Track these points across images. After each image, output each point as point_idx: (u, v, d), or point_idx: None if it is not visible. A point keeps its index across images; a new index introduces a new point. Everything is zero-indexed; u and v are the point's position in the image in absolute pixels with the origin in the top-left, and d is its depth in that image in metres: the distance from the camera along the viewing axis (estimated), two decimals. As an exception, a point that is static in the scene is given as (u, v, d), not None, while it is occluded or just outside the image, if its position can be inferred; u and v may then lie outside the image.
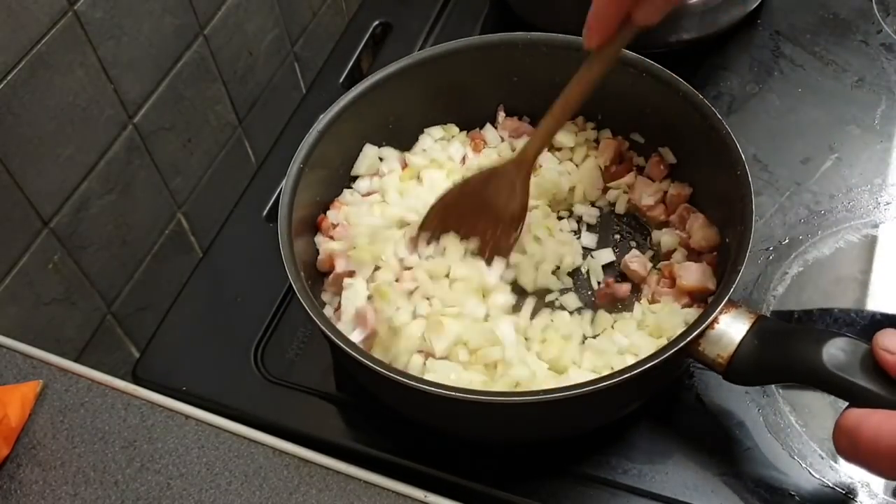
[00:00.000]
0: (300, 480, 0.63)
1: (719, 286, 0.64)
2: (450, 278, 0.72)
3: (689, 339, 0.61)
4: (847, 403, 0.57)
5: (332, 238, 0.77)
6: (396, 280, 0.73)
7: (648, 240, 0.79)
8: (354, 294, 0.71)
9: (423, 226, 0.74)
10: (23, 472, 0.64)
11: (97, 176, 0.88)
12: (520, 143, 0.81)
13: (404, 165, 0.82)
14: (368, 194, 0.81)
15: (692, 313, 0.70)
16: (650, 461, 0.69)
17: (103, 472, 0.64)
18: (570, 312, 0.74)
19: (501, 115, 0.85)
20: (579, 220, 0.81)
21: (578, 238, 0.80)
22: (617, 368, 0.65)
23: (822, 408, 0.70)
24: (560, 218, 0.81)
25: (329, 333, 0.64)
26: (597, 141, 0.84)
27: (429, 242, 0.74)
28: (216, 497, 0.63)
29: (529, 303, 0.74)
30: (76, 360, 0.79)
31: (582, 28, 0.79)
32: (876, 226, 0.81)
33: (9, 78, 0.75)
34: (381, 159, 0.82)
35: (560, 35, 0.79)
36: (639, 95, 0.79)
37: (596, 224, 0.81)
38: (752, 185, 0.67)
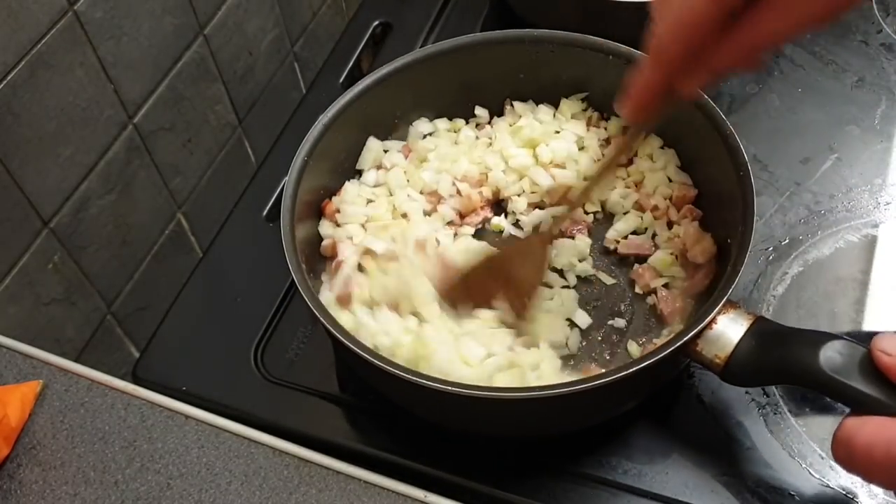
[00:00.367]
0: (300, 480, 0.63)
1: (719, 286, 0.64)
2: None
3: (686, 338, 0.61)
4: (847, 409, 0.57)
5: (336, 223, 0.78)
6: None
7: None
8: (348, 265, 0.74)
9: (444, 295, 0.72)
10: (23, 472, 0.64)
11: (97, 176, 0.88)
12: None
13: (407, 155, 0.83)
14: (376, 186, 0.82)
15: None
16: (650, 461, 0.69)
17: (103, 472, 0.64)
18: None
19: (508, 108, 0.85)
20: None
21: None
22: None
23: (822, 408, 0.70)
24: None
25: (329, 327, 0.64)
26: (607, 140, 0.84)
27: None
28: (216, 497, 0.63)
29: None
30: (76, 360, 0.79)
31: (582, 28, 0.79)
32: (876, 226, 0.81)
33: (9, 78, 0.75)
34: (385, 152, 0.83)
35: (567, 32, 0.79)
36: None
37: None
38: (754, 187, 0.67)
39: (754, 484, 0.67)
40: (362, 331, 0.69)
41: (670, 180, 0.79)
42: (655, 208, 0.78)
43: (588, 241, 0.79)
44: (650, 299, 0.75)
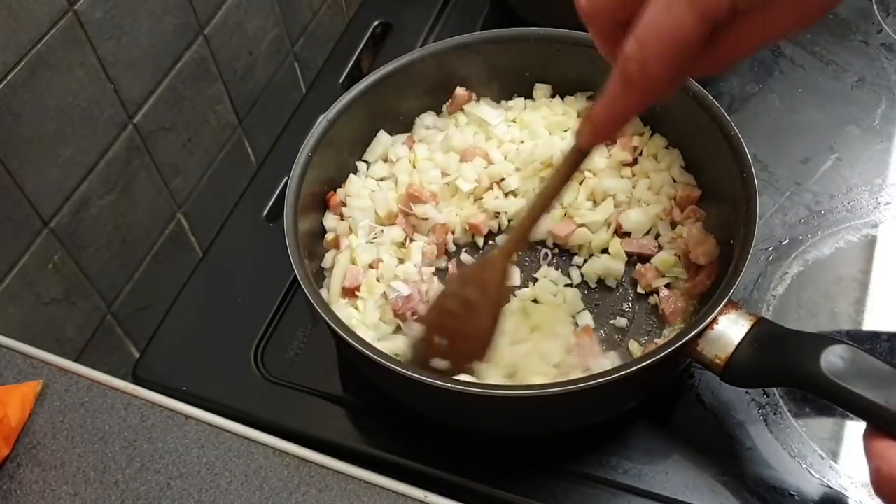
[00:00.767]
0: (300, 480, 0.63)
1: (720, 286, 0.64)
2: None
3: (687, 338, 0.61)
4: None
5: (341, 216, 0.79)
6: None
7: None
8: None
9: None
10: (23, 472, 0.64)
11: (97, 176, 0.88)
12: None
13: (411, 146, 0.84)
14: (381, 180, 0.82)
15: None
16: (650, 461, 0.69)
17: (103, 472, 0.64)
18: None
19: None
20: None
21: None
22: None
23: (822, 408, 0.70)
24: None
25: (330, 322, 0.64)
26: (613, 140, 0.84)
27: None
28: (216, 497, 0.63)
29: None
30: (76, 360, 0.79)
31: (581, 28, 0.79)
32: (876, 226, 0.81)
33: (9, 78, 0.75)
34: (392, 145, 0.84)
35: (573, 31, 0.79)
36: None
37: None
38: (757, 188, 0.67)
39: (754, 484, 0.67)
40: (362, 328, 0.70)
41: (674, 181, 0.79)
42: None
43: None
44: (652, 299, 0.75)
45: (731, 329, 0.62)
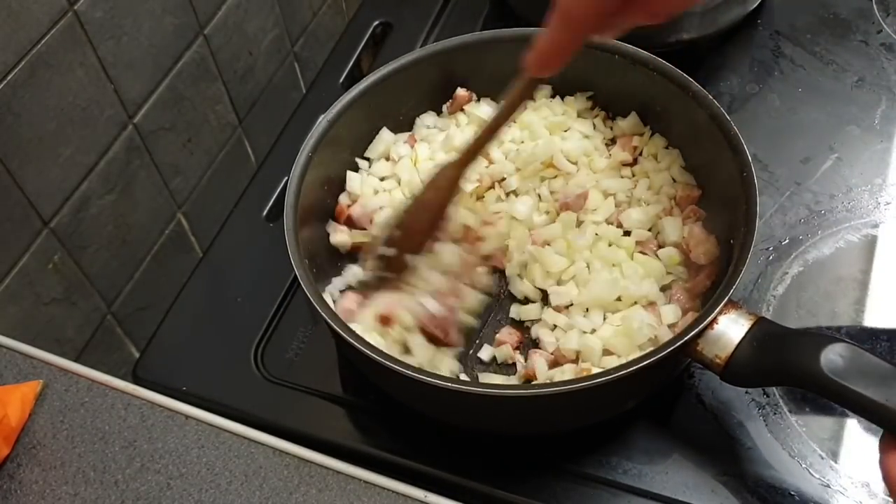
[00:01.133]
0: (300, 480, 0.63)
1: (720, 286, 0.64)
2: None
3: (687, 338, 0.61)
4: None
5: (347, 226, 0.79)
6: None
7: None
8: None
9: (382, 241, 0.73)
10: (23, 472, 0.64)
11: (97, 176, 0.88)
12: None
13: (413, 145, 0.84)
14: (383, 179, 0.83)
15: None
16: (650, 461, 0.69)
17: (103, 472, 0.64)
18: None
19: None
20: None
21: None
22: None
23: (822, 408, 0.70)
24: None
25: (330, 321, 0.64)
26: (613, 140, 0.84)
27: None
28: (216, 497, 0.63)
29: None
30: (76, 360, 0.79)
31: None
32: (876, 226, 0.81)
33: (9, 78, 0.75)
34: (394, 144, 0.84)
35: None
36: (650, 94, 0.79)
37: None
38: (757, 188, 0.67)
39: (754, 484, 0.67)
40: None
41: (674, 180, 0.79)
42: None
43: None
44: None
45: (731, 329, 0.62)
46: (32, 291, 0.84)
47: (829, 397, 0.58)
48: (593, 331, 0.71)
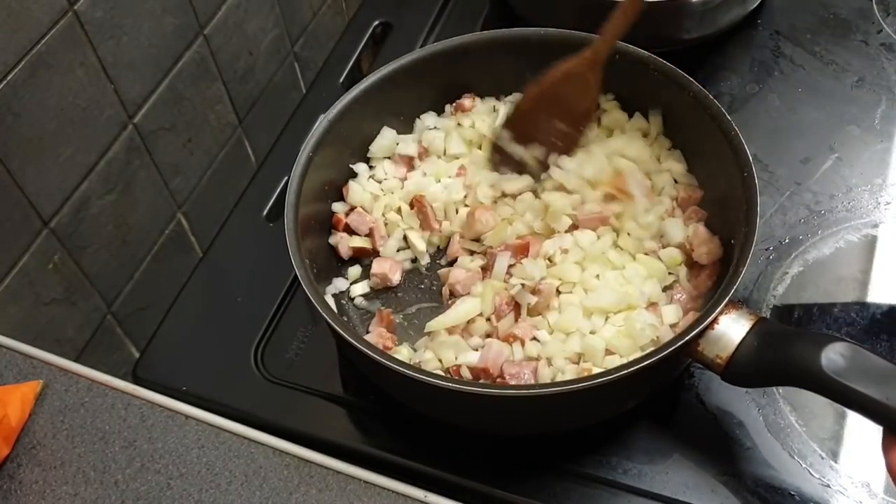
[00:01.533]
0: (300, 480, 0.63)
1: (721, 286, 0.64)
2: None
3: (688, 338, 0.61)
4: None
5: (347, 232, 0.80)
6: None
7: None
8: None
9: (507, 125, 0.79)
10: (23, 472, 0.64)
11: (97, 176, 0.88)
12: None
13: (422, 151, 0.84)
14: (381, 182, 0.83)
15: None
16: (650, 461, 0.69)
17: (103, 472, 0.64)
18: None
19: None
20: None
21: None
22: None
23: (822, 408, 0.70)
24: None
25: (330, 321, 0.64)
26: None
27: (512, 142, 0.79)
28: (216, 497, 0.63)
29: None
30: (76, 360, 0.79)
31: (582, 27, 0.79)
32: (876, 226, 0.81)
33: (9, 78, 0.75)
34: (397, 144, 0.84)
35: (574, 31, 0.79)
36: (650, 94, 0.79)
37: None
38: (757, 188, 0.67)
39: (754, 484, 0.67)
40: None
41: (676, 181, 0.79)
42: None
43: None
44: None
45: (731, 329, 0.62)
46: (32, 291, 0.84)
47: (829, 396, 0.58)
48: (592, 332, 0.71)
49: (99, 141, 0.88)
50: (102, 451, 0.65)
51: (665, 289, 0.74)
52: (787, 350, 0.59)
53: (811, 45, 0.96)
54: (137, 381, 0.76)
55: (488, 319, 0.73)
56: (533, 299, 0.72)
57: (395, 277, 0.79)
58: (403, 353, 0.72)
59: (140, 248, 0.98)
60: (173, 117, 0.97)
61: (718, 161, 0.72)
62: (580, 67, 0.76)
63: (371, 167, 0.83)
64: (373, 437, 0.72)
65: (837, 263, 0.79)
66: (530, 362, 0.69)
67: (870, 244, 0.80)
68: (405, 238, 0.81)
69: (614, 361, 0.68)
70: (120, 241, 0.94)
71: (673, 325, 0.70)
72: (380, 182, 0.83)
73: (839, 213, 0.82)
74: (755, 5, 0.97)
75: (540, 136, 0.79)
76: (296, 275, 0.68)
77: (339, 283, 0.79)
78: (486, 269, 0.76)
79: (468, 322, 0.73)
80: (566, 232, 0.76)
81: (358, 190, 0.81)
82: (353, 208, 0.81)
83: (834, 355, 0.57)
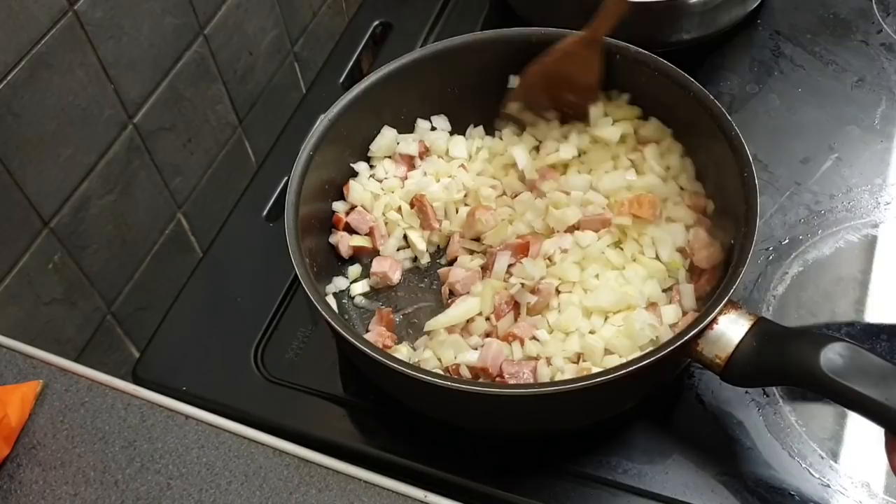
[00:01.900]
0: (300, 480, 0.63)
1: (720, 286, 0.64)
2: None
3: (687, 338, 0.61)
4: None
5: (347, 231, 0.79)
6: None
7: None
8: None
9: (515, 97, 0.82)
10: (23, 472, 0.64)
11: (97, 176, 0.88)
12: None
13: (423, 150, 0.84)
14: (382, 181, 0.83)
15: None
16: (650, 461, 0.69)
17: (103, 472, 0.64)
18: None
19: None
20: None
21: None
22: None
23: (822, 408, 0.70)
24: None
25: (330, 320, 0.64)
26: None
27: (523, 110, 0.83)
28: (216, 497, 0.63)
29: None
30: (76, 360, 0.79)
31: (582, 27, 0.79)
32: (876, 226, 0.81)
33: (9, 78, 0.75)
34: (397, 143, 0.84)
35: (573, 31, 0.79)
36: (650, 94, 0.79)
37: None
38: (758, 189, 0.67)
39: (754, 484, 0.67)
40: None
41: (681, 188, 0.79)
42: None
43: None
44: None
45: (731, 329, 0.62)
46: (32, 291, 0.84)
47: (828, 396, 0.58)
48: (591, 332, 0.71)
49: (99, 141, 0.88)
50: (102, 451, 0.65)
51: (665, 290, 0.74)
52: (786, 350, 0.59)
53: (811, 45, 0.96)
54: (137, 381, 0.76)
55: (488, 319, 0.73)
56: (532, 299, 0.72)
57: (395, 276, 0.79)
58: (403, 351, 0.72)
59: (140, 248, 0.98)
60: (173, 117, 0.97)
61: (718, 161, 0.72)
62: (578, 46, 0.78)
63: (371, 166, 0.83)
64: (373, 437, 0.72)
65: (837, 263, 0.79)
66: (529, 362, 0.70)
67: (870, 244, 0.80)
68: (405, 237, 0.81)
69: (613, 361, 0.68)
70: (120, 241, 0.94)
71: (672, 326, 0.70)
72: (380, 181, 0.83)
73: (839, 213, 0.82)
74: (755, 5, 0.97)
75: (549, 105, 0.83)
76: (296, 274, 0.68)
77: (339, 283, 0.79)
78: (485, 269, 0.76)
79: (467, 321, 0.73)
80: (566, 232, 0.76)
81: (358, 189, 0.81)
82: (353, 207, 0.81)
83: (833, 355, 0.57)
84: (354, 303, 0.79)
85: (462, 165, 0.83)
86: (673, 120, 0.79)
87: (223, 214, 0.89)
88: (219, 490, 0.63)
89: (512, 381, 0.68)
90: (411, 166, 0.83)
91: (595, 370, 0.67)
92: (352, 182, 0.82)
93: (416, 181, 0.82)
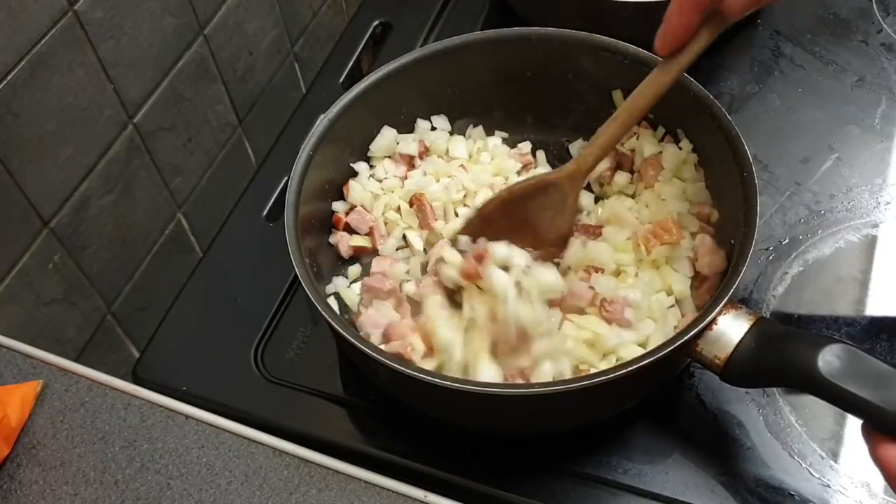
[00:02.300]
0: (300, 480, 0.63)
1: (720, 287, 0.64)
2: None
3: (687, 338, 0.61)
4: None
5: (347, 231, 0.79)
6: None
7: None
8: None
9: (463, 231, 0.71)
10: (23, 472, 0.64)
11: (97, 176, 0.88)
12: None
13: (423, 150, 0.84)
14: (382, 181, 0.83)
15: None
16: (650, 461, 0.69)
17: (103, 472, 0.64)
18: None
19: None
20: None
21: None
22: None
23: (822, 408, 0.70)
24: None
25: (330, 320, 0.64)
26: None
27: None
28: (216, 497, 0.63)
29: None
30: (76, 360, 0.79)
31: (582, 27, 0.79)
32: (876, 226, 0.81)
33: (9, 78, 0.75)
34: (397, 143, 0.84)
35: (573, 31, 0.79)
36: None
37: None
38: (758, 189, 0.67)
39: (754, 484, 0.67)
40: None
41: (688, 200, 0.78)
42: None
43: None
44: None
45: (731, 329, 0.62)
46: (32, 291, 0.84)
47: (825, 399, 0.57)
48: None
49: (99, 141, 0.88)
50: (102, 451, 0.65)
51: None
52: (785, 351, 0.59)
53: (811, 45, 0.96)
54: (137, 381, 0.76)
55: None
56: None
57: None
58: None
59: (140, 248, 0.98)
60: (173, 117, 0.97)
61: (718, 161, 0.72)
62: (559, 178, 0.69)
63: (371, 166, 0.83)
64: (373, 437, 0.72)
65: (837, 263, 0.79)
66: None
67: (870, 244, 0.80)
68: (404, 237, 0.81)
69: (636, 352, 0.68)
70: (120, 241, 0.94)
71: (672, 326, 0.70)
72: (380, 181, 0.83)
73: (839, 213, 0.82)
74: (755, 5, 0.97)
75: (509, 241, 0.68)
76: (296, 275, 0.68)
77: (339, 283, 0.79)
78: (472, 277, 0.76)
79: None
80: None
81: (358, 189, 0.81)
82: (353, 207, 0.81)
83: (830, 357, 0.56)
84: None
85: (462, 165, 0.83)
86: (672, 120, 0.79)
87: (223, 214, 0.89)
88: (219, 490, 0.63)
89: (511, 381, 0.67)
90: (411, 166, 0.83)
91: (594, 370, 0.68)
92: (352, 182, 0.82)
93: (416, 181, 0.82)
